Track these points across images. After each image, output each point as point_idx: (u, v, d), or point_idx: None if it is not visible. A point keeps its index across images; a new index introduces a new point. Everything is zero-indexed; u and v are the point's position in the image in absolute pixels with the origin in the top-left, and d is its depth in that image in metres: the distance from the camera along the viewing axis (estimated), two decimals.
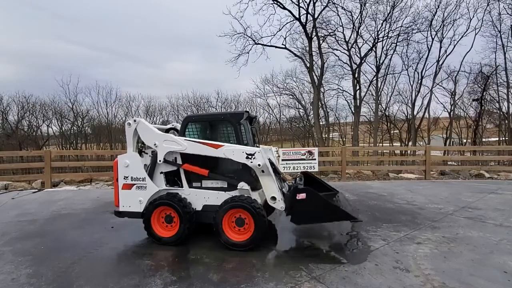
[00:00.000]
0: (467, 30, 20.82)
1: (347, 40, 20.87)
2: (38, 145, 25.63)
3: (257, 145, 4.71)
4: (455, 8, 20.05)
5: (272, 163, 3.94)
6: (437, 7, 20.05)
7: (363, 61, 21.61)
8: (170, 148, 4.04)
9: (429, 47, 21.39)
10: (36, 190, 8.41)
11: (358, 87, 21.74)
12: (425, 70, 22.33)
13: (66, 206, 6.25)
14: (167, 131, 4.50)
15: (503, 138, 24.54)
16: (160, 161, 4.07)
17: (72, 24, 50.29)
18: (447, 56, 21.63)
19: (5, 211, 5.94)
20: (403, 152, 23.23)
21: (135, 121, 4.20)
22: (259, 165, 3.75)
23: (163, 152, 4.06)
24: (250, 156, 3.77)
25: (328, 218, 3.85)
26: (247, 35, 18.56)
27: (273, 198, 3.85)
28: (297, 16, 18.27)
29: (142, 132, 4.19)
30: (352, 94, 22.07)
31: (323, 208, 3.73)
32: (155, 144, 4.08)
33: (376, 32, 20.45)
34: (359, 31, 20.56)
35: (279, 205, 3.84)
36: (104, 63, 54.05)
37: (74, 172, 10.74)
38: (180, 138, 4.07)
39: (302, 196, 3.69)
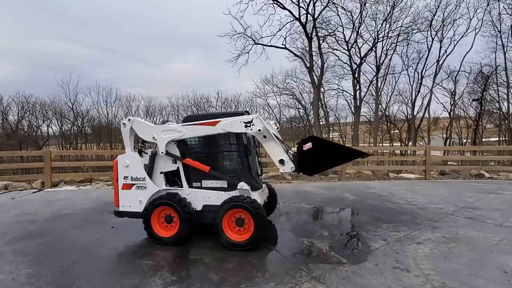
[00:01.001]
0: (467, 30, 20.89)
1: (347, 40, 20.91)
2: (38, 145, 25.65)
3: (257, 145, 4.71)
4: (455, 8, 20.12)
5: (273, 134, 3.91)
6: (437, 7, 20.11)
7: (363, 61, 21.65)
8: (169, 137, 4.02)
9: (429, 47, 21.46)
10: (36, 190, 8.41)
11: (358, 87, 21.76)
12: (425, 70, 22.41)
13: (66, 206, 6.25)
14: None
15: (503, 138, 24.57)
16: (162, 153, 4.05)
17: (74, 24, 50.23)
18: (447, 56, 21.70)
19: (5, 211, 5.94)
20: (403, 152, 23.24)
21: (129, 120, 4.20)
22: (259, 130, 3.72)
23: (163, 143, 4.04)
24: (248, 124, 3.74)
25: (338, 160, 3.77)
26: (247, 35, 18.59)
27: (281, 162, 3.77)
28: (297, 16, 18.28)
29: (138, 129, 4.19)
30: (352, 94, 22.10)
31: (332, 151, 3.67)
32: (154, 138, 4.07)
33: (376, 32, 20.50)
34: (359, 31, 20.60)
35: (289, 166, 3.76)
36: (105, 63, 54.11)
37: (74, 172, 10.75)
38: (177, 125, 4.07)
39: (308, 146, 3.63)
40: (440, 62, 21.91)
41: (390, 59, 22.50)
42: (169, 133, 4.03)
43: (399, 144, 27.09)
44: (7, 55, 40.46)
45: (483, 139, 26.40)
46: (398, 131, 27.67)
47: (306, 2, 17.93)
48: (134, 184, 4.12)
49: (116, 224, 4.82)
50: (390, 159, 18.53)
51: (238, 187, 3.90)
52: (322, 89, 24.09)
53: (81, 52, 47.52)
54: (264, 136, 3.78)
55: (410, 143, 23.76)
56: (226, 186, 4.02)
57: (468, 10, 21.01)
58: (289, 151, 3.96)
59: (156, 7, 57.52)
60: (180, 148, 4.12)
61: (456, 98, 24.61)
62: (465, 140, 28.01)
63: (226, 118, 3.86)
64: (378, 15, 20.11)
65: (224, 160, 4.15)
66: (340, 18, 19.93)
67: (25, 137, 25.56)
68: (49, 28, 48.35)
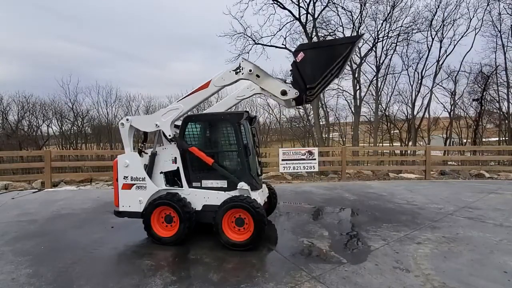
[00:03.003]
0: (467, 30, 20.86)
1: None
2: (38, 145, 25.62)
3: (257, 145, 4.71)
4: (455, 8, 20.09)
5: None
6: (437, 7, 20.08)
7: (363, 61, 21.64)
8: (171, 118, 4.03)
9: (429, 47, 21.42)
10: (36, 190, 8.41)
11: (358, 87, 21.75)
12: (425, 70, 22.36)
13: (66, 206, 6.25)
14: None
15: (503, 138, 24.54)
16: (169, 136, 4.05)
17: (74, 24, 50.26)
18: (447, 56, 21.66)
19: (5, 211, 5.94)
20: (403, 152, 23.21)
21: (127, 120, 4.21)
22: (250, 71, 3.71)
23: (167, 126, 4.04)
24: (238, 70, 3.75)
25: (335, 55, 3.58)
26: (247, 35, 18.60)
27: (283, 93, 3.72)
28: (297, 16, 18.29)
29: (139, 124, 4.20)
30: (352, 94, 22.10)
31: (325, 50, 3.57)
32: (156, 125, 4.08)
33: (376, 32, 20.48)
34: (359, 31, 20.57)
35: (292, 92, 3.70)
36: (105, 63, 54.03)
37: (74, 172, 10.74)
38: (173, 103, 4.09)
39: (301, 55, 3.54)
40: (440, 62, 21.90)
41: (390, 59, 22.48)
42: (169, 114, 4.05)
43: (399, 144, 27.04)
44: (7, 55, 40.42)
45: (483, 139, 26.37)
46: (398, 131, 27.63)
47: (306, 2, 17.96)
48: (134, 184, 4.12)
49: (116, 224, 4.82)
50: (390, 159, 18.52)
51: (238, 187, 3.90)
52: None
53: (81, 52, 47.46)
54: (258, 76, 3.74)
55: (410, 143, 23.73)
56: (226, 186, 4.02)
57: (468, 10, 21.03)
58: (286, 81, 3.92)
59: (156, 7, 57.56)
60: (180, 148, 4.12)
61: (456, 98, 24.60)
62: (465, 140, 27.97)
63: (216, 75, 3.87)
64: (378, 15, 20.13)
65: (224, 160, 4.16)
66: (340, 18, 19.93)
67: (25, 137, 25.53)
68: (49, 28, 48.35)
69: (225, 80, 3.81)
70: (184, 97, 4.03)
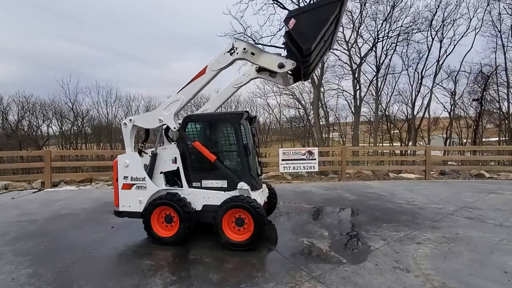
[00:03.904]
0: (467, 30, 20.84)
1: (347, 40, 20.90)
2: (38, 145, 25.62)
3: (257, 145, 4.71)
4: (455, 8, 20.07)
5: None
6: (437, 7, 20.06)
7: (363, 61, 21.63)
8: (173, 110, 4.03)
9: (429, 47, 21.40)
10: (36, 190, 8.41)
11: (358, 87, 21.75)
12: (425, 70, 22.34)
13: (66, 206, 6.25)
14: (165, 130, 4.48)
15: (503, 138, 24.53)
16: (175, 128, 4.05)
17: (74, 24, 50.21)
18: (447, 56, 21.65)
19: (5, 211, 5.94)
20: (403, 152, 23.21)
21: (130, 120, 4.21)
22: (244, 49, 3.70)
23: (171, 119, 4.05)
24: (232, 50, 3.74)
25: (327, 15, 3.53)
26: (247, 35, 18.59)
27: (281, 66, 3.69)
28: None
29: (142, 122, 4.20)
30: (352, 94, 22.09)
31: (316, 11, 3.50)
32: (160, 120, 4.08)
33: (376, 32, 20.48)
34: (359, 31, 20.61)
35: (289, 63, 3.67)
36: (105, 63, 54.03)
37: (74, 172, 10.75)
38: (173, 96, 4.08)
39: (292, 22, 3.49)
40: (440, 62, 21.89)
41: (390, 59, 22.46)
42: (171, 107, 4.05)
43: (399, 144, 27.04)
44: (7, 55, 40.42)
45: (483, 139, 26.37)
46: (398, 131, 27.63)
47: (306, 2, 17.94)
48: (134, 184, 4.12)
49: (116, 224, 4.82)
50: (390, 159, 18.52)
51: (238, 187, 3.90)
52: (322, 89, 24.06)
53: (81, 52, 47.43)
54: (252, 53, 3.72)
55: (410, 143, 23.72)
56: (226, 186, 4.02)
57: (468, 10, 21.03)
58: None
59: (156, 7, 57.52)
60: (180, 148, 4.12)
61: (456, 98, 24.59)
62: (465, 140, 27.97)
63: (211, 59, 3.85)
64: (378, 15, 20.11)
65: (224, 160, 4.16)
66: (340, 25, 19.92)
67: (25, 137, 25.53)
68: (49, 28, 48.34)
69: (221, 63, 3.79)
70: (183, 87, 4.01)
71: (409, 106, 24.67)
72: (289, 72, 4.14)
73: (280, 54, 3.91)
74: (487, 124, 26.84)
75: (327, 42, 3.96)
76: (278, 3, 17.81)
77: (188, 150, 4.13)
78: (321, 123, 24.12)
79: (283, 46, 3.85)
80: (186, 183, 4.11)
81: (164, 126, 4.33)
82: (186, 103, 4.07)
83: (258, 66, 4.15)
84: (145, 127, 4.24)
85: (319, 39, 3.62)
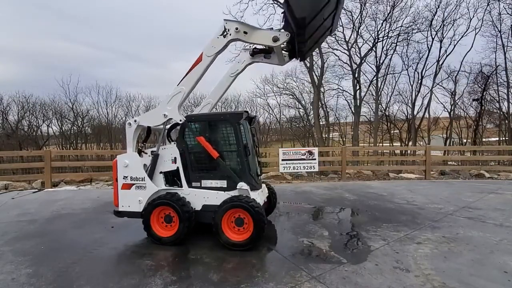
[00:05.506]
0: (467, 30, 20.85)
1: (347, 40, 20.90)
2: (38, 145, 25.63)
3: (257, 145, 4.71)
4: (455, 8, 20.10)
5: None
6: (437, 7, 20.08)
7: (363, 61, 21.63)
8: (177, 103, 4.05)
9: (429, 47, 21.41)
10: (36, 190, 8.41)
11: (358, 87, 21.75)
12: (425, 70, 22.35)
13: (66, 206, 6.25)
14: (170, 129, 4.48)
15: (503, 138, 24.54)
16: (181, 120, 4.07)
17: (74, 24, 50.12)
18: (447, 56, 21.66)
19: (5, 211, 5.93)
20: (403, 152, 23.22)
21: (135, 121, 4.21)
22: (236, 29, 3.71)
23: (176, 113, 4.06)
24: (225, 33, 3.75)
25: None
26: None
27: (275, 39, 3.68)
28: None
29: (147, 121, 4.22)
30: (352, 94, 22.09)
31: None
32: (165, 115, 4.10)
33: (376, 32, 20.49)
34: (359, 31, 20.61)
35: (283, 35, 3.68)
36: (105, 63, 53.97)
37: (74, 172, 10.75)
38: (173, 89, 4.09)
39: None
40: (440, 62, 21.90)
41: (390, 59, 22.47)
42: (174, 100, 4.07)
43: (399, 144, 27.05)
44: (7, 54, 40.42)
45: (483, 139, 26.36)
46: (398, 131, 27.63)
47: None
48: (134, 184, 4.12)
49: (116, 224, 4.82)
50: (390, 159, 18.53)
51: (237, 187, 3.90)
52: (322, 89, 24.07)
53: (81, 52, 47.38)
54: (245, 32, 3.71)
55: (410, 143, 23.72)
56: (225, 186, 4.02)
57: (468, 10, 21.03)
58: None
59: (156, 7, 57.49)
60: (180, 148, 4.12)
61: (456, 98, 24.59)
62: (465, 140, 27.97)
63: (205, 45, 3.86)
64: (378, 15, 20.14)
65: (224, 160, 4.15)
66: (340, 18, 19.92)
67: (25, 137, 25.54)
68: (49, 27, 48.26)
69: (215, 47, 3.78)
70: (183, 78, 4.01)
71: (409, 106, 24.70)
72: (284, 49, 4.08)
73: (272, 28, 3.88)
74: (487, 124, 26.84)
75: (326, 21, 3.87)
76: (278, 3, 17.79)
77: (188, 150, 4.13)
78: (321, 123, 24.13)
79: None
80: (185, 183, 4.11)
81: (168, 126, 4.34)
82: (188, 93, 4.09)
83: (251, 50, 4.05)
84: (150, 125, 4.26)
85: (316, 12, 3.55)
